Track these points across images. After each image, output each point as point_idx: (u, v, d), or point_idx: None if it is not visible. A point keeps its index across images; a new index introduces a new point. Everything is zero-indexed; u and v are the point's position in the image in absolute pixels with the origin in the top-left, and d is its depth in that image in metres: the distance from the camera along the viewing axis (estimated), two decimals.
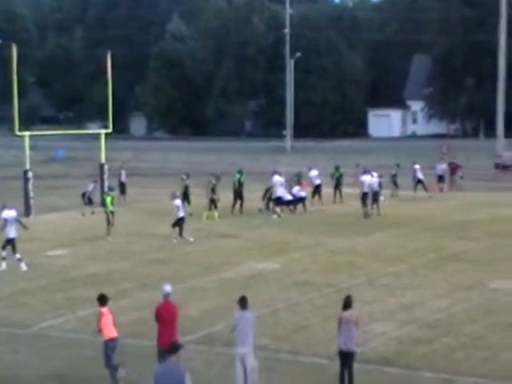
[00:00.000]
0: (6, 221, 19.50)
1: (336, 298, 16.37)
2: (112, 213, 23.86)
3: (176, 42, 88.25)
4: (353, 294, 16.51)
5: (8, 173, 42.66)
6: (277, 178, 28.14)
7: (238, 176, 28.98)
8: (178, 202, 22.97)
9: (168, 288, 11.58)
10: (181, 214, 22.84)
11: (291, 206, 28.99)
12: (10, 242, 19.32)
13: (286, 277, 18.44)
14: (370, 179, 28.30)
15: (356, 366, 11.36)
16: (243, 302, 11.29)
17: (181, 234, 22.76)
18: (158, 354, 11.42)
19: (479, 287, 17.28)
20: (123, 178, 32.89)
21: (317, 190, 30.19)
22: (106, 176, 31.96)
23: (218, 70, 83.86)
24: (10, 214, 19.65)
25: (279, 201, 28.01)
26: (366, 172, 29.02)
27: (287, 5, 65.64)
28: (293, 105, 66.86)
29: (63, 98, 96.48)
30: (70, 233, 25.13)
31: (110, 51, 32.16)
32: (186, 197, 28.38)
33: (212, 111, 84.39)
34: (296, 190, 29.29)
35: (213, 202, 27.57)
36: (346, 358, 11.15)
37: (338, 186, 31.84)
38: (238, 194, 28.83)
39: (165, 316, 11.41)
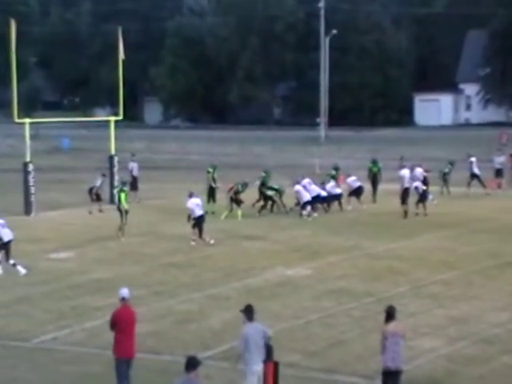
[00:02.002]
0: None
1: (376, 308, 16.34)
2: (126, 211, 24.06)
3: (195, 18, 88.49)
4: (395, 305, 16.61)
5: (6, 165, 43.18)
6: (297, 187, 28.01)
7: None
8: (192, 202, 23.04)
9: (125, 291, 11.76)
10: (199, 212, 22.93)
11: (325, 205, 28.98)
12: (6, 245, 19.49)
13: (319, 284, 18.43)
14: (410, 173, 28.39)
15: None
16: (250, 313, 11.26)
17: (200, 235, 22.87)
18: (116, 364, 11.57)
19: None
20: (135, 172, 33.09)
21: (356, 191, 30.08)
22: (115, 169, 32.19)
23: (243, 50, 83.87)
24: None
25: (313, 201, 27.98)
26: (404, 166, 29.03)
27: None
28: (327, 89, 66.66)
29: (68, 81, 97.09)
30: (76, 233, 25.34)
31: (120, 27, 32.33)
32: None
33: (236, 96, 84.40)
34: (330, 186, 29.28)
35: (235, 201, 27.75)
36: (394, 377, 11.12)
37: (374, 182, 31.79)
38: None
39: (123, 322, 11.60)
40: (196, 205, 23.01)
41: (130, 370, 11.67)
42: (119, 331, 11.60)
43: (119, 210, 24.24)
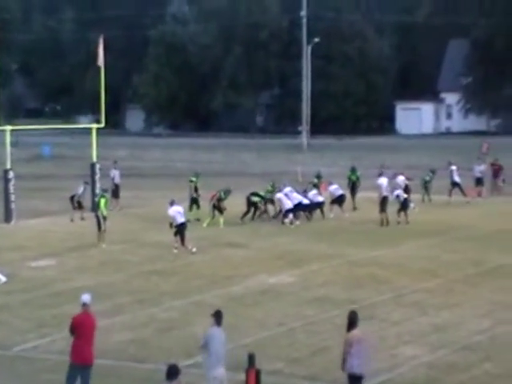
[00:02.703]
0: None
1: (359, 316, 16.36)
2: (105, 218, 23.97)
3: (178, 25, 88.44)
4: (378, 313, 16.66)
5: None
6: (279, 195, 28.09)
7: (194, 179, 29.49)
8: (173, 210, 23.01)
9: (86, 297, 11.81)
10: (181, 219, 22.89)
11: (307, 213, 29.00)
12: None
13: (301, 292, 18.43)
14: (389, 181, 28.68)
15: None
16: (219, 317, 11.37)
17: (183, 242, 22.81)
18: (70, 369, 11.58)
19: None
20: (117, 180, 32.98)
21: (338, 199, 30.13)
22: (97, 177, 32.07)
23: (226, 57, 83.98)
24: None
25: (295, 208, 28.00)
26: (382, 174, 29.16)
27: None
28: (310, 96, 66.86)
29: (50, 88, 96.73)
30: (57, 241, 25.21)
31: (103, 35, 32.29)
32: (194, 200, 28.71)
33: (219, 103, 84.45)
34: (312, 194, 29.34)
35: (218, 208, 27.71)
36: (358, 381, 11.22)
37: (354, 190, 31.91)
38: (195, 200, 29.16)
39: (82, 328, 11.63)
40: (177, 212, 23.00)
41: (89, 378, 11.58)
42: (78, 336, 11.61)
43: (97, 216, 24.11)
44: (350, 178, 32.53)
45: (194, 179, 29.56)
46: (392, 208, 28.08)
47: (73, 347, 11.64)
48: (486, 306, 17.17)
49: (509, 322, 16.07)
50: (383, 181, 28.53)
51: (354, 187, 32.19)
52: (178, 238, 22.87)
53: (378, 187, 28.36)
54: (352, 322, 11.39)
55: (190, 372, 12.18)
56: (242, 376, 11.42)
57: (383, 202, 27.87)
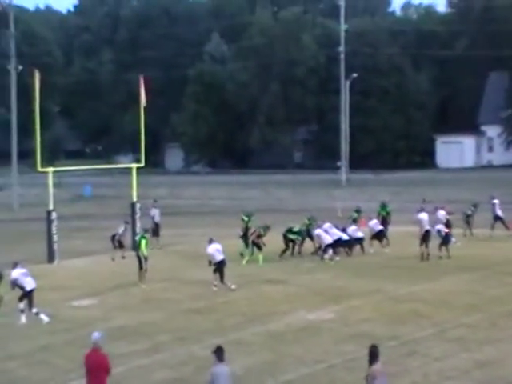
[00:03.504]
0: (16, 280, 19.68)
1: (400, 352, 16.32)
2: (146, 258, 24.25)
3: (216, 64, 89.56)
4: (420, 348, 16.56)
5: (30, 214, 43.70)
6: (318, 231, 28.21)
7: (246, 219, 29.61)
8: (212, 248, 23.27)
9: (96, 335, 11.88)
10: (220, 257, 23.08)
11: (347, 249, 28.99)
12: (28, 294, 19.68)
13: (341, 328, 18.40)
14: (429, 216, 28.59)
15: None
16: (221, 353, 11.47)
17: (222, 280, 22.95)
18: None
19: None
20: (157, 218, 33.31)
21: (378, 235, 30.13)
22: (137, 216, 32.41)
23: (263, 94, 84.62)
24: (21, 271, 19.97)
25: (335, 244, 28.05)
26: (423, 209, 29.09)
27: (342, 19, 66.19)
28: (348, 132, 67.01)
29: (91, 130, 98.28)
30: (98, 280, 25.50)
31: (142, 76, 32.86)
32: (245, 238, 28.92)
33: (256, 140, 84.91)
34: (352, 229, 29.36)
35: (257, 245, 27.88)
36: None
37: (384, 225, 31.78)
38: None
39: (91, 366, 11.71)
40: (216, 250, 23.20)
41: None
42: (89, 377, 11.73)
43: (138, 256, 24.41)
44: (380, 213, 32.59)
45: (245, 218, 29.59)
46: (433, 243, 27.93)
47: None
48: None
49: None
50: (424, 216, 28.46)
51: (384, 222, 32.13)
52: (217, 275, 23.02)
53: (419, 222, 28.25)
54: (374, 355, 11.49)
55: None
56: None
57: (425, 236, 27.77)
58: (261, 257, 27.66)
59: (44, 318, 19.53)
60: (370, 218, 30.73)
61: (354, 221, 30.84)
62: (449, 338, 17.43)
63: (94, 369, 11.72)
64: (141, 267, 24.24)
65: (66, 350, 17.30)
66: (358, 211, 32.11)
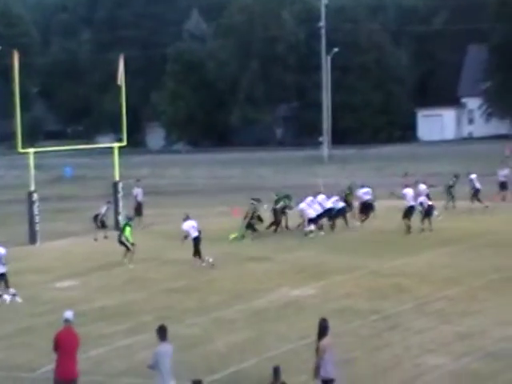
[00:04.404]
0: None
1: (382, 326, 16.42)
2: (132, 244, 24.17)
3: (195, 42, 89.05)
4: (401, 322, 16.67)
5: (11, 195, 43.40)
6: (302, 205, 28.27)
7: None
8: (187, 225, 23.39)
9: (68, 313, 12.13)
10: (195, 233, 23.22)
11: (331, 222, 29.01)
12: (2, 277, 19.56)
13: (324, 304, 18.45)
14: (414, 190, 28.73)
15: None
16: (163, 333, 11.60)
17: (198, 255, 23.13)
18: None
19: None
20: (140, 198, 33.21)
21: (366, 206, 30.16)
22: (120, 195, 32.30)
23: (243, 72, 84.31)
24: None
25: (317, 218, 28.14)
26: (408, 185, 29.22)
27: None
28: (330, 108, 66.94)
29: (70, 110, 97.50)
30: (81, 261, 25.43)
31: (122, 55, 32.52)
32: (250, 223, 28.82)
33: (237, 119, 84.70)
34: (334, 200, 29.30)
35: (251, 226, 28.01)
36: None
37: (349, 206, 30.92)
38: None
39: (64, 344, 11.87)
40: (192, 226, 23.31)
41: None
42: (61, 353, 11.86)
43: (121, 242, 24.30)
44: (347, 197, 30.94)
45: (255, 203, 29.12)
46: (416, 217, 28.09)
47: (56, 364, 11.92)
48: (510, 313, 17.11)
49: None
50: (408, 191, 28.57)
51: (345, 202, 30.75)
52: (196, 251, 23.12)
53: (404, 196, 28.39)
54: (323, 330, 11.70)
55: None
56: None
57: (409, 210, 27.91)
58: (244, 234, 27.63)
59: (18, 299, 19.42)
60: (362, 186, 30.92)
61: (347, 195, 30.63)
62: (429, 311, 17.56)
63: (67, 346, 11.89)
64: (128, 249, 24.15)
65: (48, 331, 17.14)
66: (349, 188, 31.67)
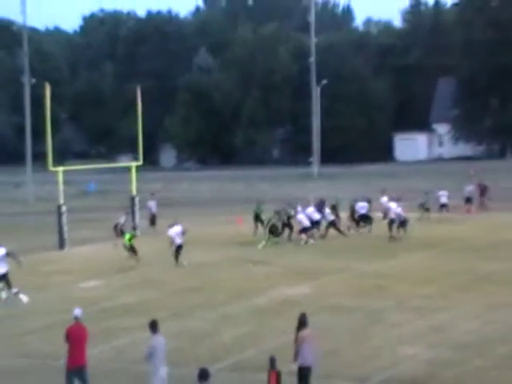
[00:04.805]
0: None
1: (366, 320, 16.37)
2: (127, 247, 24.41)
3: (203, 74, 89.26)
4: (382, 317, 16.62)
5: (43, 208, 43.37)
6: (300, 216, 27.91)
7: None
8: (173, 231, 23.56)
9: (78, 311, 12.12)
10: (178, 240, 23.44)
11: (322, 232, 28.85)
12: (3, 277, 19.14)
13: (316, 301, 18.38)
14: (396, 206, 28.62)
15: None
16: (155, 326, 11.55)
17: (176, 259, 23.41)
18: (67, 376, 11.78)
19: (510, 306, 17.09)
20: (154, 210, 33.16)
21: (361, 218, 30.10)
22: (137, 208, 32.27)
23: (245, 100, 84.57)
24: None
25: (309, 227, 28.00)
26: (393, 198, 29.23)
27: (312, 34, 66.12)
28: (319, 131, 66.99)
29: (94, 133, 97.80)
30: (103, 264, 25.30)
31: (139, 86, 32.71)
32: (258, 220, 28.88)
33: (240, 140, 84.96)
34: (327, 212, 29.21)
35: (273, 232, 27.71)
36: (308, 371, 11.51)
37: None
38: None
39: (74, 337, 11.88)
40: (176, 233, 23.49)
41: (87, 378, 11.84)
42: (71, 345, 11.88)
43: (124, 246, 24.49)
44: (333, 209, 30.34)
45: (290, 212, 28.51)
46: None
47: (68, 354, 11.91)
48: (477, 309, 17.08)
49: (496, 322, 15.98)
50: (392, 205, 28.54)
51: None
52: (183, 255, 23.42)
53: (388, 209, 28.40)
54: (302, 323, 11.66)
55: (218, 375, 12.20)
56: (264, 376, 11.44)
57: (391, 222, 27.92)
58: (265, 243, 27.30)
59: (24, 297, 19.19)
60: (355, 200, 30.55)
61: (333, 208, 30.41)
62: (407, 307, 17.49)
63: (76, 339, 11.91)
64: (135, 252, 24.18)
65: None
66: (336, 203, 31.38)
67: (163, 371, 11.35)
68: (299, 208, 28.63)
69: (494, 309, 17.00)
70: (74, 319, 12.12)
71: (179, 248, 23.41)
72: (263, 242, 27.52)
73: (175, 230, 23.41)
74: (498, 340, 14.63)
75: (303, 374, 11.52)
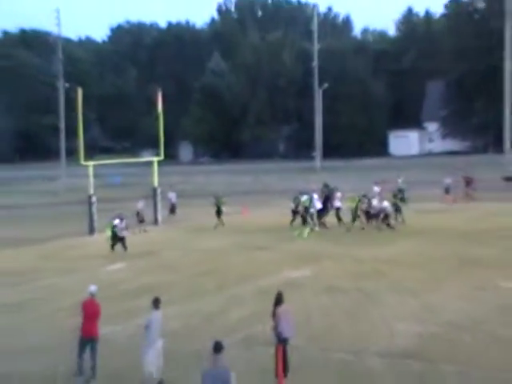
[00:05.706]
0: None
1: (363, 301, 16.21)
2: (123, 239, 24.19)
3: (216, 77, 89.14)
4: (378, 298, 16.44)
5: (75, 198, 43.45)
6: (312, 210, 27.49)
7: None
8: (116, 222, 23.75)
9: (93, 288, 12.15)
10: (124, 233, 23.70)
11: (323, 220, 28.58)
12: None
13: (317, 283, 18.25)
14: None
15: (381, 360, 11.18)
16: (157, 303, 11.59)
17: (112, 247, 23.61)
18: (79, 341, 11.94)
19: (494, 288, 16.91)
20: (173, 200, 33.11)
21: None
22: (158, 198, 32.20)
23: (253, 100, 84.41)
24: None
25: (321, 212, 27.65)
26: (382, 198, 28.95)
27: (315, 40, 65.77)
28: (321, 128, 66.70)
29: (120, 131, 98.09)
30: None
31: (159, 88, 32.65)
32: (219, 212, 28.61)
33: (248, 137, 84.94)
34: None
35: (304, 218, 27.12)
36: (285, 342, 11.49)
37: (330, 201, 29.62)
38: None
39: (88, 310, 11.93)
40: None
41: (96, 348, 11.91)
42: (85, 318, 11.93)
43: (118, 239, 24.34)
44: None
45: (304, 200, 27.79)
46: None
47: (82, 325, 11.98)
48: (465, 290, 16.90)
49: (481, 302, 15.80)
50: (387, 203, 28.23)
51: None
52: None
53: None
54: (278, 300, 11.69)
55: (230, 349, 12.06)
56: (272, 350, 11.32)
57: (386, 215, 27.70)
58: (306, 230, 26.71)
59: None
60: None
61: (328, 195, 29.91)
62: (401, 289, 17.32)
63: (89, 313, 11.93)
64: (125, 247, 24.10)
65: (104, 302, 17.03)
66: (330, 189, 30.75)
67: (159, 343, 11.42)
68: (315, 196, 28.18)
69: (481, 290, 16.80)
70: (90, 295, 12.11)
71: (122, 240, 23.50)
72: (306, 230, 26.60)
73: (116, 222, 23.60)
74: (485, 319, 14.45)
75: (283, 345, 11.52)
